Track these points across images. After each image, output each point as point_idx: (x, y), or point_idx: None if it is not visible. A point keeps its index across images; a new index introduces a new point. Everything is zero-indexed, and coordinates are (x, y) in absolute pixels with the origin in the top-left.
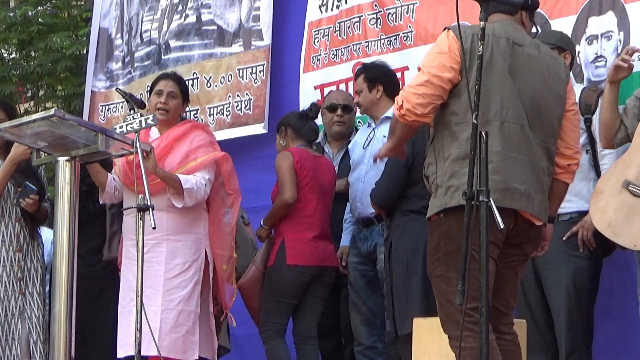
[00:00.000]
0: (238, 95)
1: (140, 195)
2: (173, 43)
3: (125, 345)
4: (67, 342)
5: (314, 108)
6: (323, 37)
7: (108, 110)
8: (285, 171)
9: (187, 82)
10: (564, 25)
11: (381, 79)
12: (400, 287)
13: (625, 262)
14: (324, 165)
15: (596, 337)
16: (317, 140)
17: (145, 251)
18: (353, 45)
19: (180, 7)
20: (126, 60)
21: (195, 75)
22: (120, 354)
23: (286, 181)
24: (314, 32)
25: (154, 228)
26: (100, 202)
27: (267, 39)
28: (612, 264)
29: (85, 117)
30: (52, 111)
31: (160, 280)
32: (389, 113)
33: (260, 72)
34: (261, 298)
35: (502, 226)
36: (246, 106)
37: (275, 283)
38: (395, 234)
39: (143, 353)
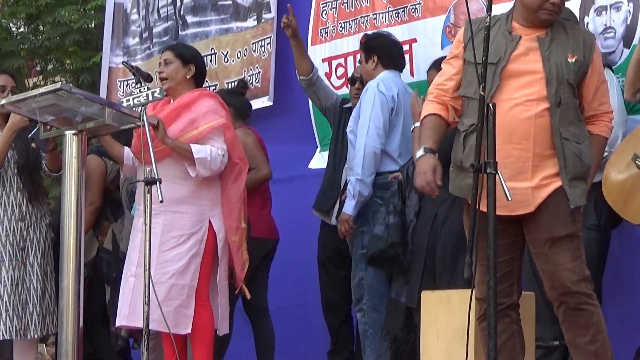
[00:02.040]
0: (250, 69)
1: (147, 168)
2: (190, 19)
3: (119, 315)
4: (75, 316)
5: (243, 84)
6: (331, 10)
7: (127, 85)
8: (254, 147)
9: (205, 57)
10: None
11: (376, 50)
12: (446, 261)
13: (635, 235)
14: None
15: (604, 309)
16: (349, 105)
17: (143, 222)
18: (361, 17)
19: None
20: (144, 35)
21: (213, 51)
22: (117, 323)
23: (261, 157)
24: (322, 4)
25: (162, 201)
26: (122, 177)
27: (274, 11)
28: (622, 237)
29: (104, 93)
30: (58, 84)
31: (154, 252)
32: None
33: (268, 44)
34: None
35: (509, 198)
36: (256, 79)
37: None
38: (442, 208)
39: (134, 324)
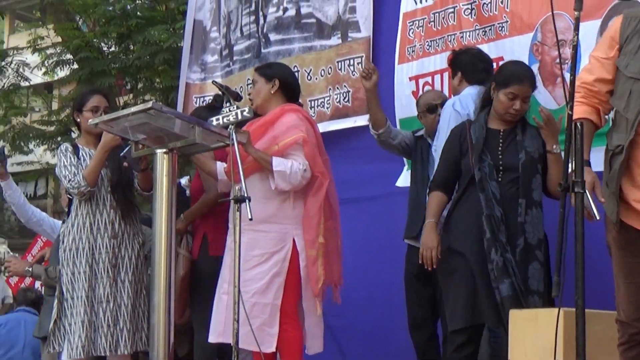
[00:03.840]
0: (337, 88)
1: (237, 186)
2: (273, 36)
3: (214, 332)
4: (166, 332)
5: (219, 98)
6: (418, 28)
7: (203, 101)
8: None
9: None
10: None
11: (461, 66)
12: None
13: None
14: None
15: None
16: (422, 132)
17: (230, 241)
18: (448, 36)
19: (276, 0)
20: (224, 53)
21: (296, 69)
22: (210, 339)
23: (211, 181)
24: (409, 23)
25: (251, 219)
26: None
27: (365, 31)
28: None
29: (180, 108)
30: (150, 104)
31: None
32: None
33: (358, 64)
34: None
35: (597, 218)
36: (345, 98)
37: (203, 275)
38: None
39: (222, 340)
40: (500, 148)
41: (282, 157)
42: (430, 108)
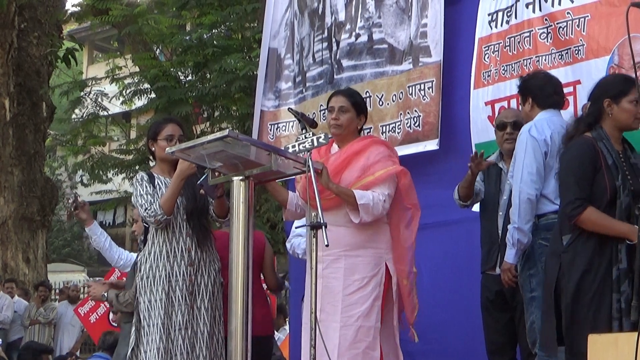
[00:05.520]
0: (408, 113)
1: (313, 213)
2: (345, 62)
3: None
4: (244, 358)
5: None
6: (493, 53)
7: (277, 129)
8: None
9: None
10: None
11: (530, 91)
12: None
13: None
14: None
15: None
16: (492, 158)
17: (323, 267)
18: (524, 60)
19: (348, 26)
20: (297, 80)
21: (367, 94)
22: None
23: None
24: (484, 47)
25: (327, 245)
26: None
27: (435, 56)
28: None
29: (255, 135)
30: (226, 132)
31: (339, 296)
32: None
33: (428, 88)
34: None
35: None
36: (415, 123)
37: None
38: None
39: None
40: (627, 172)
41: (376, 187)
42: (500, 125)
